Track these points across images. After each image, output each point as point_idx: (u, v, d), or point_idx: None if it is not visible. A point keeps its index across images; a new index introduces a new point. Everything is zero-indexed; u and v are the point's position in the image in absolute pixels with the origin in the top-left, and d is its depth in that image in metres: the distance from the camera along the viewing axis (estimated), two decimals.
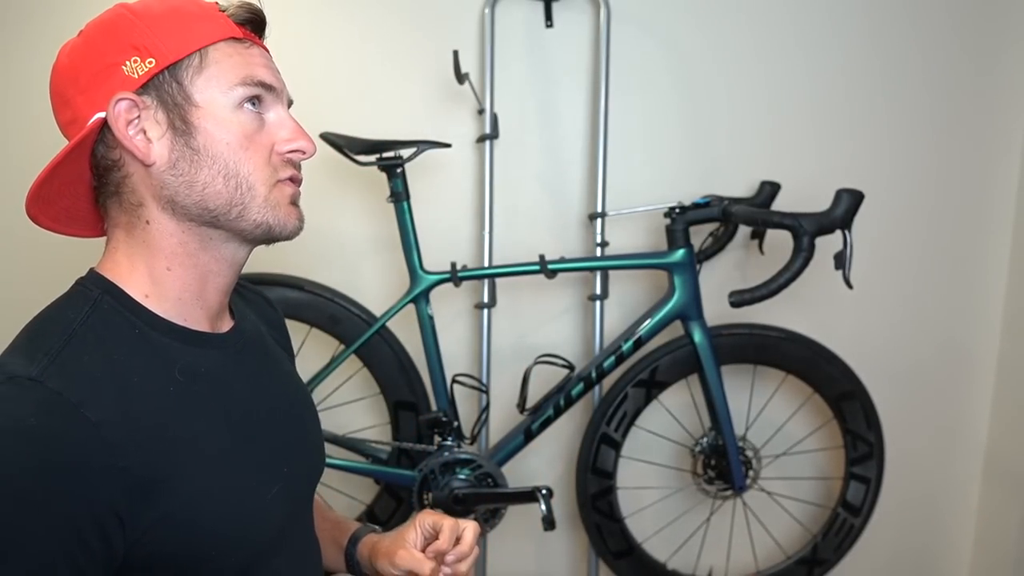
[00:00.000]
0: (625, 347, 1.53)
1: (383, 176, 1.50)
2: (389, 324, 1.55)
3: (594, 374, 1.54)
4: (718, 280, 1.74)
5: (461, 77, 1.52)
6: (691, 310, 1.53)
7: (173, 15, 0.71)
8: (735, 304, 1.37)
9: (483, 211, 1.68)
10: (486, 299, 1.67)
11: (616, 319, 1.75)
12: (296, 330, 1.58)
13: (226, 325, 0.81)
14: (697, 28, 1.69)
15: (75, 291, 0.73)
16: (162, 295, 0.73)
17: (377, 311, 1.59)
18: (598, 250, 1.67)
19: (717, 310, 1.62)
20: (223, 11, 0.74)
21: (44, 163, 0.70)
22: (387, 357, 1.58)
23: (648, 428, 1.77)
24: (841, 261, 1.31)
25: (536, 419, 1.55)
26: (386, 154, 1.47)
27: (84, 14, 0.75)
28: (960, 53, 1.71)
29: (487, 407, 1.64)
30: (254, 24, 0.76)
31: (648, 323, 1.53)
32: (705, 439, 1.66)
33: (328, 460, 1.44)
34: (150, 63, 0.69)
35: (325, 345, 1.63)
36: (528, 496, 1.48)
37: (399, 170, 1.49)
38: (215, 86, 0.71)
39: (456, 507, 1.50)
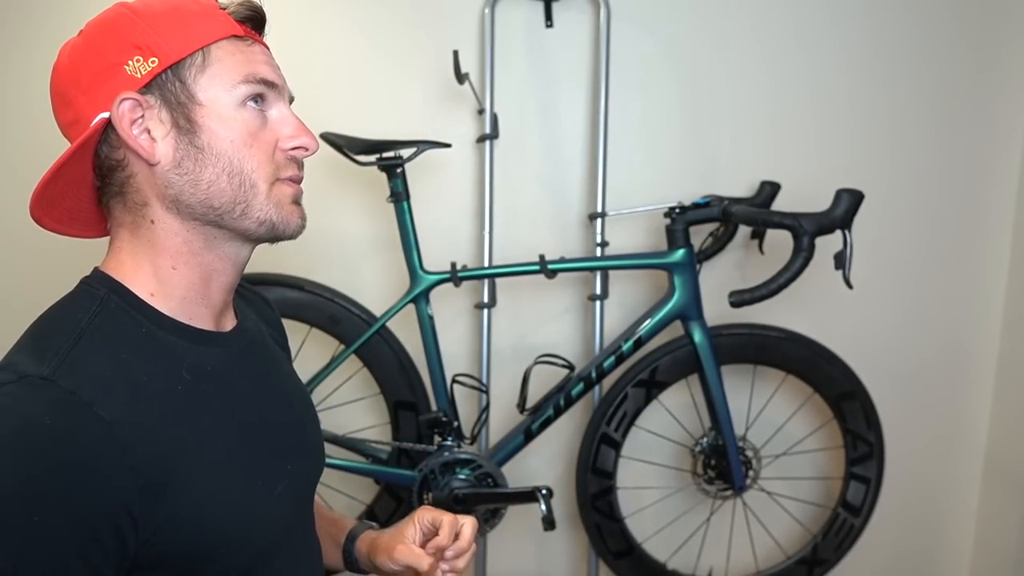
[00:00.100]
0: (625, 347, 1.53)
1: (383, 176, 1.50)
2: (389, 324, 1.55)
3: (594, 374, 1.54)
4: (718, 280, 1.74)
5: (461, 77, 1.52)
6: (691, 310, 1.53)
7: (174, 13, 0.71)
8: (735, 304, 1.37)
9: (483, 211, 1.68)
10: (486, 299, 1.67)
11: (616, 319, 1.75)
12: (296, 330, 1.58)
13: (230, 324, 0.81)
14: (697, 28, 1.69)
15: (80, 290, 0.73)
16: (167, 294, 0.73)
17: (377, 311, 1.59)
18: (598, 250, 1.67)
19: (717, 310, 1.62)
20: (223, 9, 0.74)
21: (43, 163, 0.70)
22: (387, 357, 1.58)
23: (648, 428, 1.77)
24: (841, 261, 1.31)
25: (536, 419, 1.55)
26: (386, 154, 1.47)
27: (83, 14, 0.75)
28: (960, 53, 1.71)
29: (487, 407, 1.64)
30: (254, 22, 0.76)
31: (648, 323, 1.53)
32: (705, 439, 1.66)
33: (328, 460, 1.44)
34: (153, 62, 0.69)
35: (325, 345, 1.63)
36: (528, 496, 1.48)
37: (399, 170, 1.49)
38: (218, 84, 0.71)
39: (456, 507, 1.50)
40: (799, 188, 1.68)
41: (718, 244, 1.65)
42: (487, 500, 1.52)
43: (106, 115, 0.69)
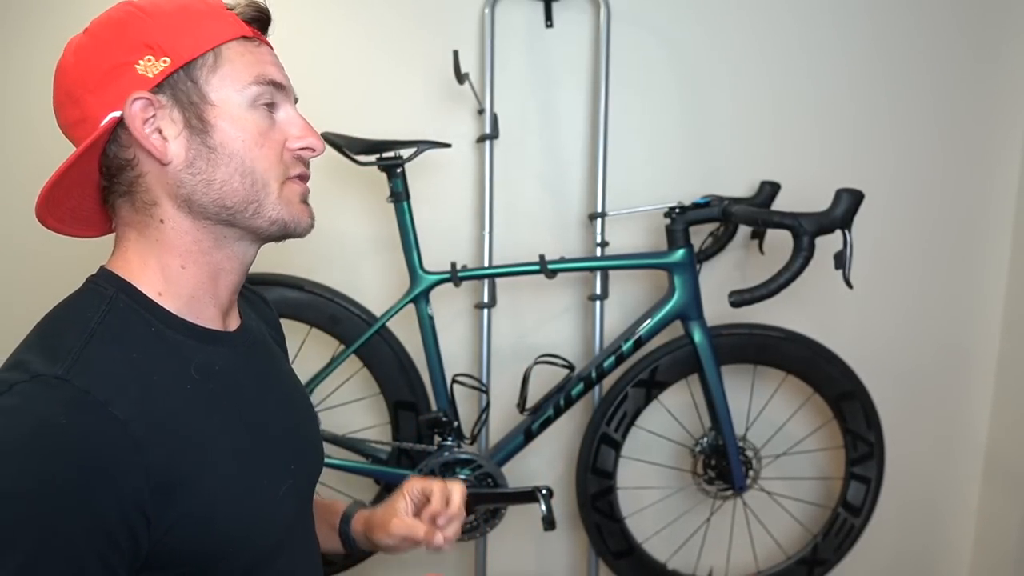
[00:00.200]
0: (625, 347, 1.53)
1: (383, 176, 1.50)
2: (389, 324, 1.55)
3: (594, 374, 1.54)
4: (718, 280, 1.74)
5: (461, 77, 1.52)
6: (691, 310, 1.53)
7: (184, 13, 0.71)
8: (735, 304, 1.37)
9: (483, 211, 1.68)
10: (486, 299, 1.67)
11: (616, 319, 1.75)
12: (296, 330, 1.58)
13: (235, 323, 0.81)
14: (697, 28, 1.69)
15: (88, 289, 0.72)
16: (175, 293, 0.73)
17: (377, 311, 1.59)
18: (598, 250, 1.67)
19: (717, 310, 1.62)
20: (231, 9, 0.74)
21: (42, 163, 0.70)
22: (387, 357, 1.58)
23: (648, 428, 1.77)
24: (841, 261, 1.31)
25: (536, 419, 1.55)
26: (386, 154, 1.47)
27: (83, 14, 0.75)
28: (960, 53, 1.71)
29: (487, 407, 1.64)
30: (260, 23, 0.77)
31: (648, 323, 1.53)
32: (705, 439, 1.66)
33: (328, 460, 1.45)
34: (165, 62, 0.69)
35: (325, 345, 1.63)
36: (528, 496, 1.48)
37: (399, 170, 1.49)
38: (229, 85, 0.71)
39: None
40: (799, 188, 1.68)
41: (718, 244, 1.65)
42: (487, 500, 1.52)
43: (117, 114, 0.69)
